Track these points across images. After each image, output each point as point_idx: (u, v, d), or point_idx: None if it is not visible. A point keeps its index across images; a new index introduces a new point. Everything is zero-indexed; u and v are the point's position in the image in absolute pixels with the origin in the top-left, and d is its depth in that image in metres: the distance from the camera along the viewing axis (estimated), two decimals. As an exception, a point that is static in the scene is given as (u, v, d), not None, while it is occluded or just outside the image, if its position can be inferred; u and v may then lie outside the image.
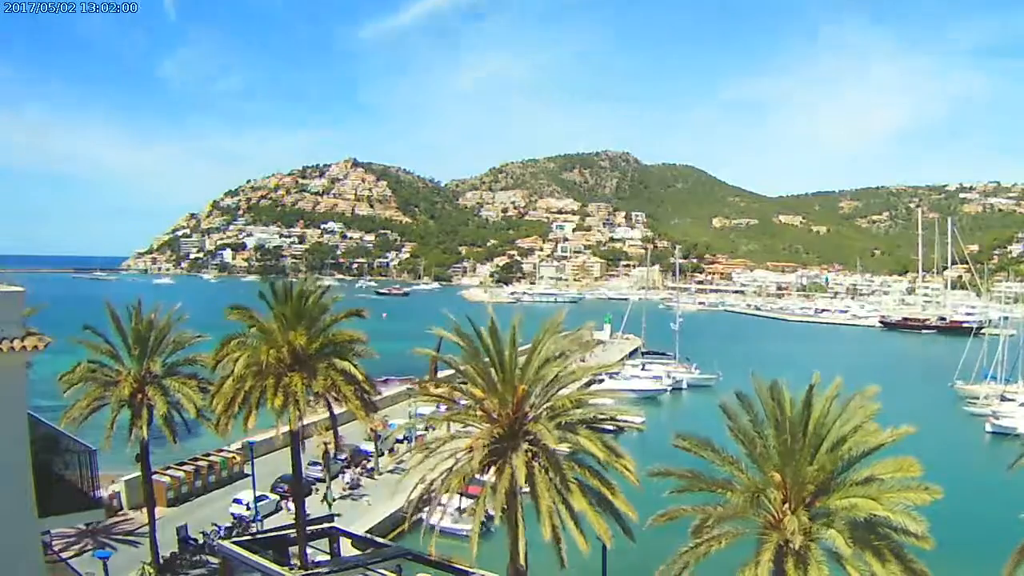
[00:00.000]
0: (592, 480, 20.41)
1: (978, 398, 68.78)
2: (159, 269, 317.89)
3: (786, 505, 16.18)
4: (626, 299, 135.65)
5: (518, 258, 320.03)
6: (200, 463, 40.77)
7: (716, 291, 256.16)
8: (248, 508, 35.70)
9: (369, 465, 44.87)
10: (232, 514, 35.57)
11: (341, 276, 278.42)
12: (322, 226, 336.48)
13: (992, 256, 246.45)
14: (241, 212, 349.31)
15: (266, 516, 35.98)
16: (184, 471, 39.35)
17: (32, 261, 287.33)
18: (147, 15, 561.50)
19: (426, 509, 22.38)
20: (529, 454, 19.68)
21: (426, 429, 40.81)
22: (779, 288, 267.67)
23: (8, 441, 11.39)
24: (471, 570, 24.99)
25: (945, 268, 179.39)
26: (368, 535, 30.71)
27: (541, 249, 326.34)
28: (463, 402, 22.12)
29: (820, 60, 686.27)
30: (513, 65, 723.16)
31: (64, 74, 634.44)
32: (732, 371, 65.90)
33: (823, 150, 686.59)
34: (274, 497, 38.20)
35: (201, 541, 31.93)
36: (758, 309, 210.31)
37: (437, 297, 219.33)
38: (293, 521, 28.25)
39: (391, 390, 61.70)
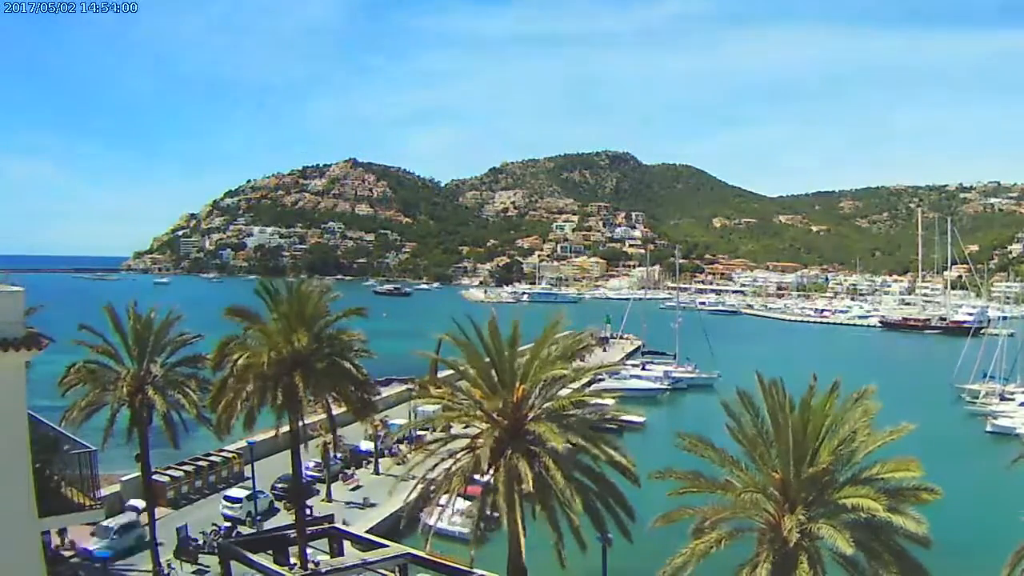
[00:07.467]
0: (592, 480, 20.41)
1: (978, 398, 68.77)
2: (159, 269, 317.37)
3: (786, 505, 16.17)
4: (626, 299, 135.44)
5: (518, 258, 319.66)
6: (200, 463, 40.75)
7: (716, 291, 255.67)
8: (239, 507, 35.61)
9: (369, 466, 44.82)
10: (223, 515, 35.35)
11: (341, 276, 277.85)
12: (322, 226, 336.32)
13: (992, 256, 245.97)
14: (241, 212, 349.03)
15: (263, 513, 35.90)
16: (184, 471, 39.33)
17: (32, 261, 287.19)
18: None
19: (426, 509, 22.40)
20: (530, 454, 19.68)
21: (426, 430, 40.81)
22: (779, 288, 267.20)
23: (8, 441, 11.38)
24: (471, 570, 25.00)
25: (945, 268, 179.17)
26: (368, 535, 30.68)
27: (541, 249, 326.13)
28: (464, 403, 22.11)
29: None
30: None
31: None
32: (732, 371, 65.75)
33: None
34: (269, 495, 38.05)
35: (201, 541, 31.85)
36: (758, 309, 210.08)
37: (437, 297, 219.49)
38: (293, 521, 28.24)
39: (391, 390, 61.65)
